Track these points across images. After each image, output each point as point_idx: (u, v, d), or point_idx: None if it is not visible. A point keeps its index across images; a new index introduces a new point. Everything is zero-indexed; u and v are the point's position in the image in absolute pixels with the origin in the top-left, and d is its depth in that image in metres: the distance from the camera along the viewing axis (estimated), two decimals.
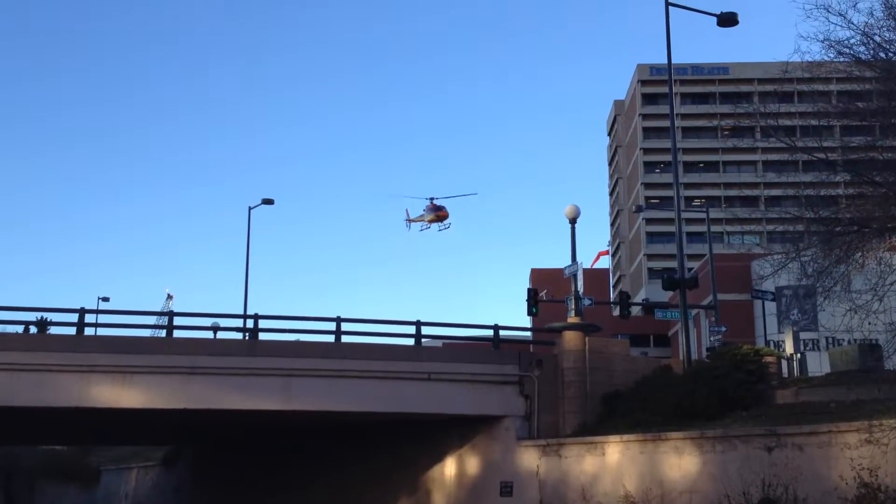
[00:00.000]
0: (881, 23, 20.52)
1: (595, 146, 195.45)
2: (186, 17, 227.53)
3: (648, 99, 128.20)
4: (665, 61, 35.85)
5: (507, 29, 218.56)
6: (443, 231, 75.72)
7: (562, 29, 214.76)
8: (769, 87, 70.72)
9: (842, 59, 22.31)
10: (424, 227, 76.98)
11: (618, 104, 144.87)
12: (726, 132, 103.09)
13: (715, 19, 35.17)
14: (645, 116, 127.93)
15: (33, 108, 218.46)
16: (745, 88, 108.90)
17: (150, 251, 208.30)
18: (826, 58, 22.43)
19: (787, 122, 25.27)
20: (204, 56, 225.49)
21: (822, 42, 21.24)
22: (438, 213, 75.82)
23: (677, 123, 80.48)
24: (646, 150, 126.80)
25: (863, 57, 21.29)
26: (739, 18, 35.23)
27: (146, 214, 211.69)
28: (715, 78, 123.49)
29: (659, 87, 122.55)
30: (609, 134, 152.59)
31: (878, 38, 20.62)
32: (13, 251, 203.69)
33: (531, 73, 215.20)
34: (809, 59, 22.33)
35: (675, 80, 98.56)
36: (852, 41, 21.02)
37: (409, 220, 78.56)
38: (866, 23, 20.89)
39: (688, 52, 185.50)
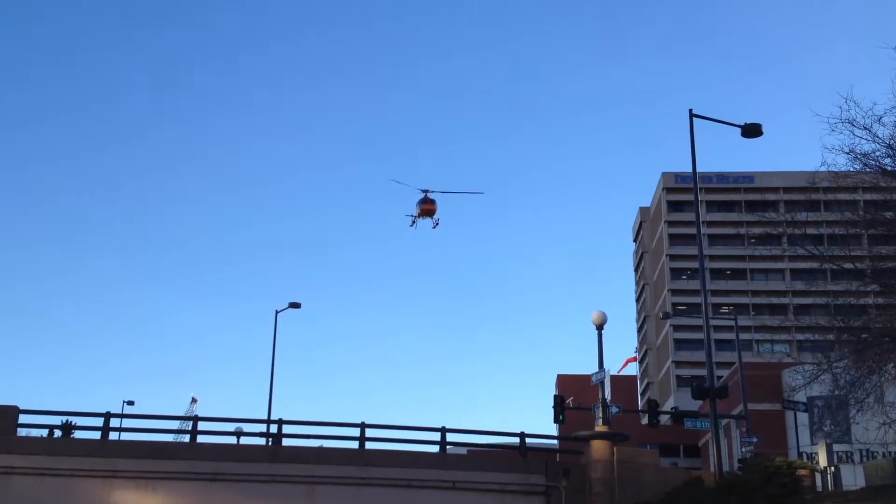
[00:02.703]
0: None
1: (621, 252, 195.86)
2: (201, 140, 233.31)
3: (674, 206, 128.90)
4: (690, 169, 36.18)
5: (531, 136, 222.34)
6: (436, 229, 69.80)
7: (588, 137, 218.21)
8: (795, 196, 71.21)
9: (868, 170, 22.52)
10: (415, 221, 70.40)
11: (643, 211, 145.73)
12: (753, 240, 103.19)
13: (739, 130, 35.58)
14: (671, 223, 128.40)
15: (58, 208, 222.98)
16: (770, 197, 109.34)
17: (177, 354, 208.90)
18: (852, 169, 22.65)
19: (814, 231, 25.35)
20: (224, 152, 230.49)
21: (848, 154, 21.52)
22: (423, 207, 69.26)
23: (703, 231, 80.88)
24: (672, 257, 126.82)
25: (889, 168, 21.49)
26: (764, 129, 35.62)
27: (173, 317, 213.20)
28: (740, 186, 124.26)
29: (684, 194, 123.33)
30: (635, 240, 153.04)
31: None
32: (39, 353, 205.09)
33: (557, 180, 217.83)
34: (835, 170, 22.57)
35: (701, 188, 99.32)
36: (878, 153, 21.27)
37: (413, 217, 71.69)
38: (892, 135, 21.16)
39: (713, 161, 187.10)
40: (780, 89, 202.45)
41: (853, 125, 21.11)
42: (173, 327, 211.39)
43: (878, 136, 20.99)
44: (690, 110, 35.47)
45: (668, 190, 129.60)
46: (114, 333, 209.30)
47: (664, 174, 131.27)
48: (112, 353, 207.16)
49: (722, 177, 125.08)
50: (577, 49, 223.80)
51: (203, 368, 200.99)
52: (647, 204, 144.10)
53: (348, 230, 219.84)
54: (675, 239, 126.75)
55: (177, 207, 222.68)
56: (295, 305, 57.84)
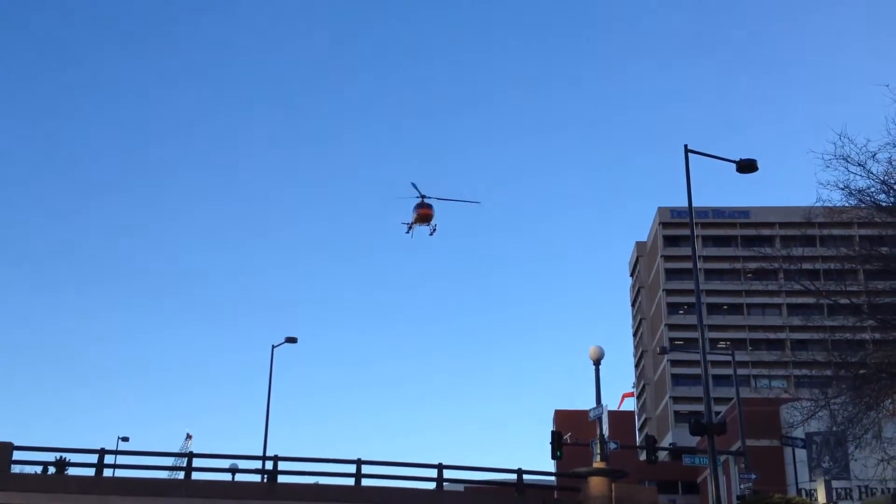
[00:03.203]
0: None
1: (618, 286, 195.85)
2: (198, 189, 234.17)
3: (670, 241, 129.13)
4: (686, 204, 36.26)
5: (527, 169, 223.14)
6: (432, 236, 67.33)
7: (583, 171, 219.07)
8: (790, 231, 71.37)
9: (863, 206, 22.63)
10: (411, 228, 67.98)
11: (640, 245, 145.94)
12: (749, 275, 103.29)
13: (734, 165, 35.72)
14: (667, 258, 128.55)
15: (52, 245, 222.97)
16: (766, 232, 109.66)
17: (172, 391, 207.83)
18: (847, 204, 22.75)
19: (811, 266, 25.42)
20: (221, 192, 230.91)
21: (843, 189, 21.65)
22: (420, 212, 66.49)
23: (700, 265, 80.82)
24: (669, 292, 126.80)
25: (884, 204, 21.60)
26: (759, 164, 35.77)
27: (168, 354, 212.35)
28: (736, 221, 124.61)
29: (680, 229, 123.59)
30: (631, 275, 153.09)
31: None
32: (33, 389, 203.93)
33: (552, 215, 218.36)
34: (830, 206, 22.68)
35: (697, 223, 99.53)
36: (872, 189, 21.41)
37: (409, 224, 68.95)
38: (886, 172, 21.30)
39: (709, 196, 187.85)
40: (775, 124, 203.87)
41: (847, 161, 21.31)
42: (168, 363, 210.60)
43: (872, 173, 21.17)
44: (686, 146, 35.59)
45: (665, 225, 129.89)
46: (108, 369, 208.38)
47: (660, 209, 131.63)
48: (106, 389, 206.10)
49: (718, 212, 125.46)
50: (574, 80, 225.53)
51: (198, 404, 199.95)
52: (643, 238, 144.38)
53: (343, 263, 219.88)
54: (671, 274, 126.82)
55: (173, 241, 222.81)
56: (291, 340, 57.67)
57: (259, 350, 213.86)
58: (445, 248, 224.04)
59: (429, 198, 66.69)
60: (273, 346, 57.32)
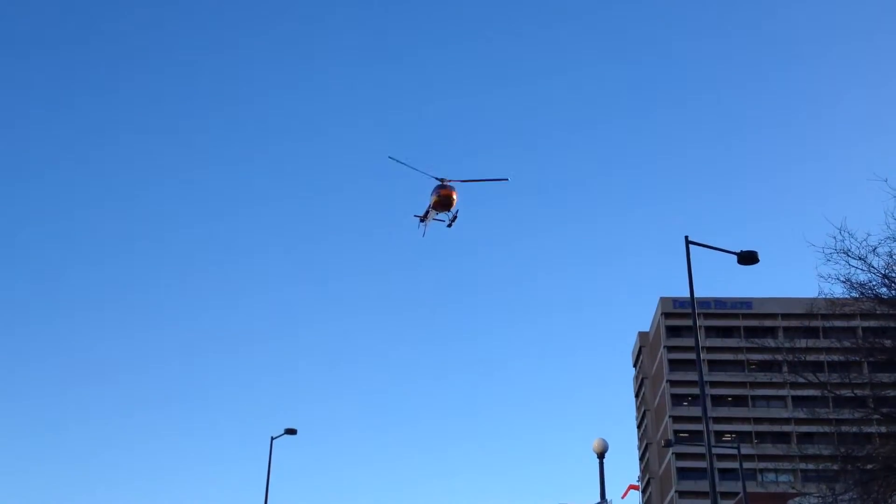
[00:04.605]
0: None
1: (622, 377, 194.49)
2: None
3: (673, 332, 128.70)
4: (688, 294, 36.29)
5: (529, 263, 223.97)
6: (451, 227, 53.92)
7: (586, 262, 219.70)
8: (793, 323, 71.30)
9: (865, 298, 22.69)
10: (426, 219, 54.97)
11: (642, 336, 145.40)
12: (753, 366, 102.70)
13: (735, 257, 35.88)
14: (670, 349, 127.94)
15: (43, 350, 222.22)
16: (768, 323, 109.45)
17: (168, 485, 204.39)
18: (849, 296, 22.82)
19: (815, 358, 25.35)
20: (219, 289, 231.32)
21: (845, 283, 21.76)
22: (440, 193, 51.93)
23: (703, 356, 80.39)
24: (672, 383, 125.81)
25: (885, 297, 21.67)
26: (760, 256, 35.91)
27: (163, 447, 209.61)
28: (738, 312, 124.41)
29: (683, 319, 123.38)
30: (635, 366, 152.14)
31: None
32: (30, 497, 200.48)
33: (554, 307, 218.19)
34: (832, 298, 22.74)
35: (699, 314, 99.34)
36: (873, 283, 21.51)
37: (422, 217, 55.70)
38: (887, 265, 21.42)
39: (711, 286, 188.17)
40: (776, 216, 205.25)
41: (848, 255, 21.51)
42: (163, 456, 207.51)
43: (873, 266, 21.33)
44: (686, 237, 35.78)
45: (667, 315, 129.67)
46: (105, 461, 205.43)
47: (662, 299, 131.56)
48: (103, 482, 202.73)
49: (720, 302, 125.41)
50: (571, 171, 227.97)
51: (194, 499, 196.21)
52: (646, 328, 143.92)
53: (343, 365, 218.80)
54: (674, 364, 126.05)
55: (186, 342, 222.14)
56: (291, 432, 56.96)
57: (258, 444, 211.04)
58: (447, 341, 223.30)
59: (450, 180, 53.35)
60: (272, 438, 56.62)
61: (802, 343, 25.11)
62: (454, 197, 51.96)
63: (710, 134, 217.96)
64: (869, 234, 22.16)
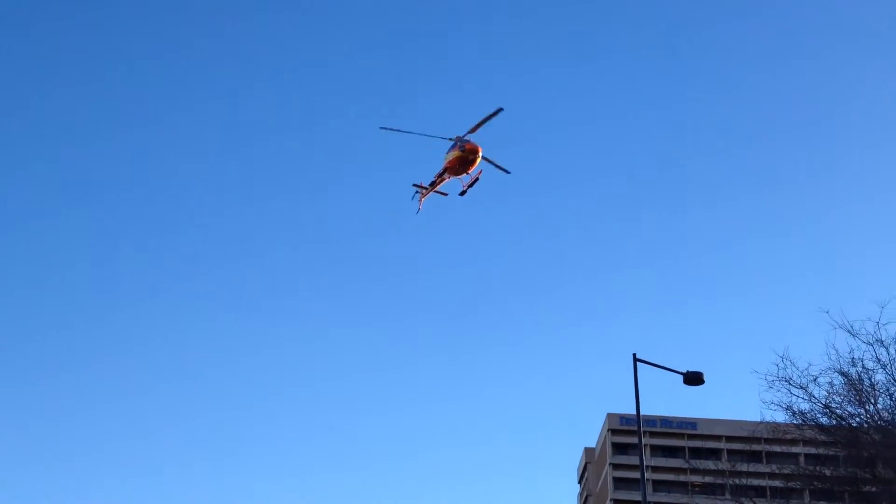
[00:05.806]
0: (841, 397, 21.66)
1: (566, 493, 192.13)
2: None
3: (619, 448, 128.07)
4: (634, 411, 36.36)
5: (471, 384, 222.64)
6: (464, 196, 45.54)
7: (531, 368, 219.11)
8: (737, 446, 71.57)
9: (806, 425, 23.13)
10: (428, 192, 47.21)
11: (588, 452, 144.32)
12: (696, 488, 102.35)
13: (682, 377, 36.27)
14: (615, 466, 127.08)
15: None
16: (712, 444, 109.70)
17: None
18: (791, 422, 23.26)
19: (758, 482, 25.63)
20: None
21: (786, 410, 22.24)
22: (466, 147, 43.27)
23: (648, 476, 79.86)
24: (616, 502, 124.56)
25: (825, 425, 22.12)
26: (706, 377, 36.31)
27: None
28: (684, 432, 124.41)
29: (629, 436, 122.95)
30: (580, 482, 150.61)
31: (839, 412, 21.64)
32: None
33: (505, 420, 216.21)
34: (775, 423, 23.15)
35: (645, 433, 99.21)
36: (814, 411, 22.01)
37: (426, 190, 47.61)
38: (827, 395, 21.99)
39: (657, 403, 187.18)
40: (724, 337, 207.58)
41: (790, 383, 22.10)
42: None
43: (814, 396, 21.88)
44: (634, 354, 36.21)
45: (613, 431, 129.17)
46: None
47: (609, 415, 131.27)
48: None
49: (666, 421, 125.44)
50: (521, 284, 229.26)
51: None
52: (592, 444, 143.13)
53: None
54: (619, 483, 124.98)
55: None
56: None
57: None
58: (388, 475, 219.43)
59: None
60: None
61: (745, 466, 25.31)
62: (479, 152, 43.41)
63: (661, 253, 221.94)
64: (810, 364, 22.84)
